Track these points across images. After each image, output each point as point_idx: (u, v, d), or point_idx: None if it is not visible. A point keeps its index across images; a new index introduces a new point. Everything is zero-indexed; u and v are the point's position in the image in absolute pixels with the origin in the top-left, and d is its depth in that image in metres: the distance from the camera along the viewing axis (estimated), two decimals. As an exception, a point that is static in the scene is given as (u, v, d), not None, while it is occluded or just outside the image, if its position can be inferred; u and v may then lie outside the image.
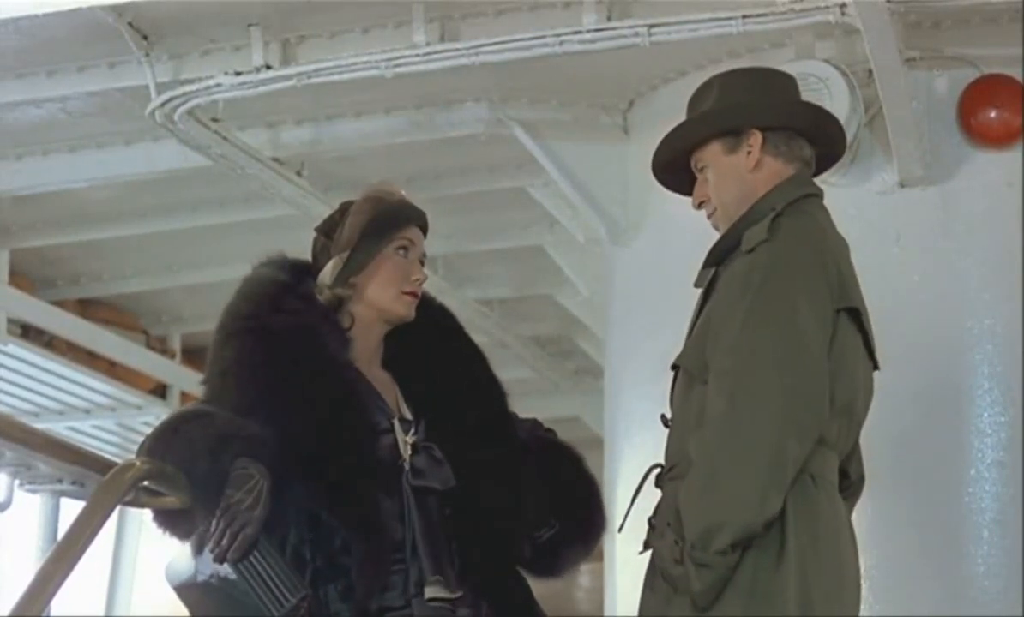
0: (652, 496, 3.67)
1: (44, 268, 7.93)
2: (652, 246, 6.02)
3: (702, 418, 3.52)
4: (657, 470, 3.69)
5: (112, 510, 3.19)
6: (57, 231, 7.45)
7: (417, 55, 5.40)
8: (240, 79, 5.58)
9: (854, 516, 3.70)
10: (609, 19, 5.27)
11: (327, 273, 3.62)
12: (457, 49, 5.38)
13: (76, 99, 6.06)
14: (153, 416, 8.19)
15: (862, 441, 3.73)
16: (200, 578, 3.41)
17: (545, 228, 7.34)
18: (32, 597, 2.96)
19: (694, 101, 3.83)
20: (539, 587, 3.67)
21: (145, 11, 5.43)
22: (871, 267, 3.92)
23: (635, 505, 3.70)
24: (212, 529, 3.29)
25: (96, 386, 8.42)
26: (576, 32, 5.26)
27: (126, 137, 6.43)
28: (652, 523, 3.60)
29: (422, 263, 3.68)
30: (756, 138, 3.72)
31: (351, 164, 6.53)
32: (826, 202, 3.77)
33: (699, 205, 3.80)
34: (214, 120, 5.90)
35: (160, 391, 8.78)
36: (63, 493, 8.31)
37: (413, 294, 3.64)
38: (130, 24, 5.50)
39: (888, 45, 4.98)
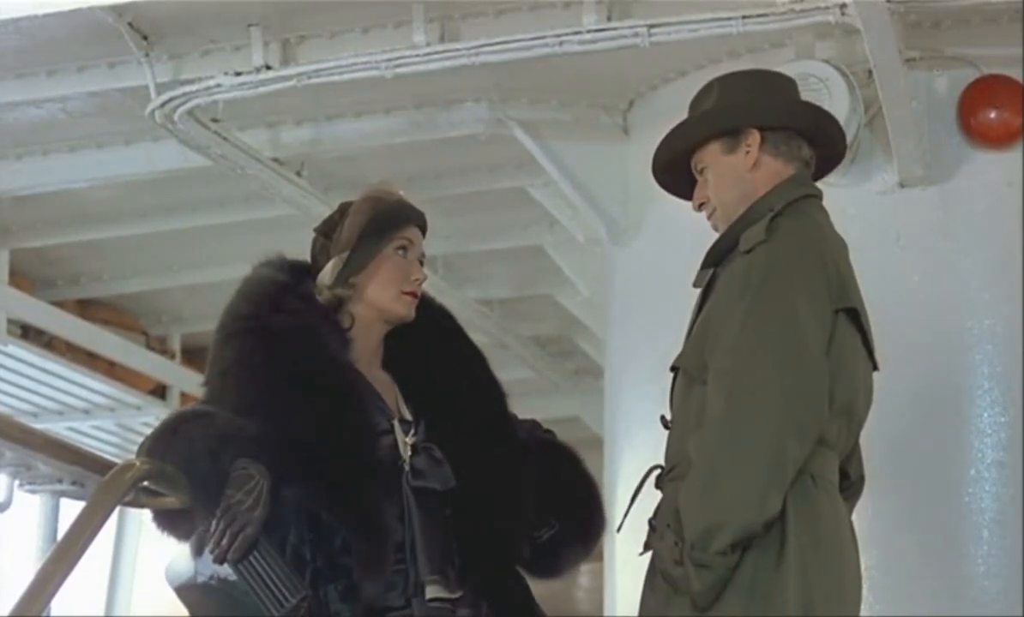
0: (652, 497, 3.67)
1: (44, 268, 7.92)
2: (652, 246, 6.02)
3: (702, 419, 3.52)
4: (657, 471, 3.69)
5: (112, 510, 3.20)
6: (57, 231, 7.44)
7: (417, 55, 5.40)
8: (240, 79, 5.59)
9: (854, 516, 3.70)
10: (609, 19, 5.27)
11: (327, 273, 3.62)
12: (457, 49, 5.38)
13: (76, 99, 6.06)
14: (153, 416, 8.17)
15: (862, 441, 3.73)
16: (200, 579, 3.41)
17: (545, 228, 7.33)
18: (32, 597, 2.96)
19: (695, 103, 3.84)
20: (539, 587, 3.67)
21: (145, 11, 5.43)
22: (871, 267, 3.92)
23: (635, 506, 3.70)
24: (212, 529, 3.29)
25: (96, 386, 8.41)
26: (576, 32, 5.26)
27: (126, 137, 6.43)
28: (652, 524, 3.60)
29: (421, 263, 3.68)
30: (754, 137, 3.72)
31: (351, 164, 6.53)
32: (826, 202, 3.77)
33: (699, 207, 3.80)
34: (214, 120, 5.89)
35: (160, 391, 8.77)
36: (63, 493, 8.27)
37: (413, 294, 3.64)
38: (130, 24, 5.50)
39: (888, 45, 4.98)
